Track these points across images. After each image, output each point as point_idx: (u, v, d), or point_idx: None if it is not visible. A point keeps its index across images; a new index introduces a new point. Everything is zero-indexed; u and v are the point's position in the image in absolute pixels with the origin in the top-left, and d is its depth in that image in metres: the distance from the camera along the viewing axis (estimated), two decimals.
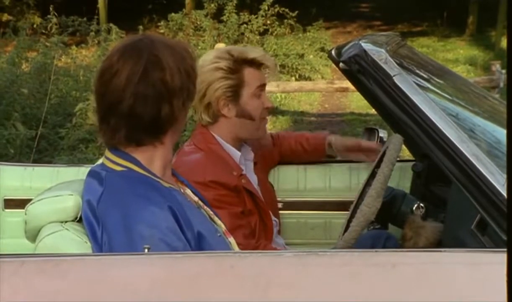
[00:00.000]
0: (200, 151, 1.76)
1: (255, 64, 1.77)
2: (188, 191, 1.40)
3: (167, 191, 1.26)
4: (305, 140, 2.04)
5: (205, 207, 1.41)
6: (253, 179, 1.87)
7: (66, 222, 1.33)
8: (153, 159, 1.27)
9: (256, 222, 1.79)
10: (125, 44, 1.27)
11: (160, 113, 1.23)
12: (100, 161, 1.35)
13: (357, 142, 2.01)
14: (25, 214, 1.38)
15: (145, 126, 1.23)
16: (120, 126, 1.24)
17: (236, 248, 1.40)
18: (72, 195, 1.33)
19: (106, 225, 1.21)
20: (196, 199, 1.40)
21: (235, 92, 1.75)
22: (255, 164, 1.91)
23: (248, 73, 1.76)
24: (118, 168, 1.26)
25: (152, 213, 1.19)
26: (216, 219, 1.42)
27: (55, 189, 1.41)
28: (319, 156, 2.06)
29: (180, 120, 1.28)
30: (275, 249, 1.81)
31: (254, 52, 1.78)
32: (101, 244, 1.22)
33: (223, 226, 1.42)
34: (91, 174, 1.30)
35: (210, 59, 1.76)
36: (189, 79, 1.27)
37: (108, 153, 1.29)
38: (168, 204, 1.21)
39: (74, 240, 1.28)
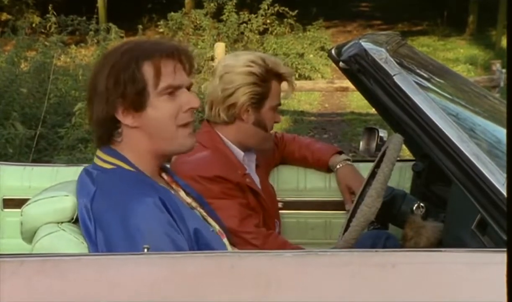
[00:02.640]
0: (206, 149, 1.77)
1: (281, 80, 1.80)
2: (182, 193, 1.40)
3: (160, 186, 1.28)
4: (309, 154, 2.02)
5: (199, 209, 1.41)
6: (256, 180, 1.87)
7: (62, 222, 1.33)
8: (139, 158, 1.29)
9: (259, 221, 1.79)
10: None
11: (96, 113, 1.27)
12: None
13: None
14: (21, 215, 1.38)
15: (96, 125, 1.29)
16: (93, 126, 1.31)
17: (230, 249, 1.40)
18: (68, 195, 1.33)
19: (102, 224, 1.21)
20: (189, 200, 1.40)
21: (259, 101, 1.76)
22: (257, 166, 1.91)
23: (275, 86, 1.78)
24: (108, 166, 1.27)
25: (148, 205, 1.20)
26: (209, 219, 1.42)
27: (51, 190, 1.41)
28: (319, 169, 2.05)
29: (138, 125, 1.26)
30: (286, 240, 1.81)
31: (284, 67, 1.82)
32: (96, 242, 1.22)
33: (217, 226, 1.42)
34: (84, 173, 1.31)
35: (244, 61, 1.75)
36: (128, 84, 1.24)
37: (98, 151, 1.31)
38: (160, 195, 1.22)
39: (71, 241, 1.27)
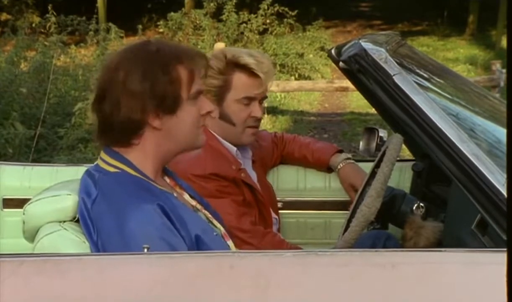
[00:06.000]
0: None
1: (248, 71, 1.72)
2: (186, 196, 1.40)
3: (161, 192, 1.27)
4: (310, 153, 2.01)
5: (204, 210, 1.41)
6: (253, 175, 1.87)
7: (64, 221, 1.33)
8: (143, 162, 1.28)
9: (255, 215, 1.79)
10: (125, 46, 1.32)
11: (119, 114, 1.23)
12: None
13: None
14: (23, 214, 1.38)
15: (110, 126, 1.24)
16: (98, 125, 1.27)
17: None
18: (70, 194, 1.33)
19: (100, 228, 1.22)
20: (194, 203, 1.40)
21: (219, 94, 1.73)
22: (253, 162, 1.91)
23: (238, 78, 1.72)
24: (111, 169, 1.27)
25: (146, 211, 1.20)
26: (215, 222, 1.42)
27: (53, 189, 1.41)
28: (319, 169, 2.04)
29: (159, 127, 1.25)
30: (283, 240, 1.81)
31: (249, 58, 1.71)
32: (97, 243, 1.22)
33: (222, 229, 1.42)
34: (87, 173, 1.31)
35: (210, 56, 1.75)
36: (166, 86, 1.23)
37: (102, 153, 1.30)
38: (159, 202, 1.22)
39: (73, 240, 1.28)
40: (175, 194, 1.34)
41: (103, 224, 1.21)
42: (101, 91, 1.25)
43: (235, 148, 1.80)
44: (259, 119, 1.79)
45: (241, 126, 1.76)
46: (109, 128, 1.25)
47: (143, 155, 1.27)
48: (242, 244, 1.62)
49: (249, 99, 1.75)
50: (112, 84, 1.23)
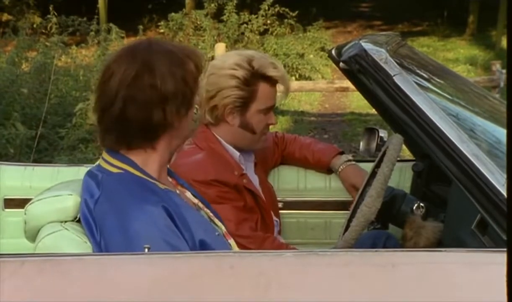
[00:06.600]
0: (201, 151, 1.76)
1: (271, 81, 1.75)
2: (188, 194, 1.40)
3: (163, 192, 1.27)
4: (310, 154, 2.01)
5: (205, 209, 1.41)
6: (254, 179, 1.87)
7: (65, 221, 1.33)
8: (148, 161, 1.27)
9: (257, 220, 1.79)
10: (126, 46, 1.30)
11: (151, 118, 1.22)
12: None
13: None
14: (25, 213, 1.39)
15: (136, 131, 1.23)
16: (111, 128, 1.25)
17: (237, 249, 1.41)
18: (71, 194, 1.34)
19: (103, 230, 1.22)
20: (196, 201, 1.40)
21: (244, 104, 1.73)
22: (255, 164, 1.91)
23: (263, 89, 1.74)
24: (114, 170, 1.26)
25: (149, 212, 1.20)
26: (216, 220, 1.42)
27: (54, 189, 1.41)
28: (320, 170, 2.05)
29: (176, 126, 1.26)
30: (283, 243, 1.81)
31: (274, 69, 1.73)
32: (100, 244, 1.22)
33: (223, 227, 1.42)
34: (89, 174, 1.30)
35: (229, 64, 1.72)
36: (186, 85, 1.25)
37: (104, 154, 1.30)
38: (163, 203, 1.22)
39: (74, 240, 1.28)
40: (177, 192, 1.34)
41: (106, 224, 1.21)
42: (112, 94, 1.22)
43: (238, 153, 1.80)
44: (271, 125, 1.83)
45: (260, 134, 1.79)
46: (127, 131, 1.24)
47: (148, 155, 1.27)
48: (242, 249, 1.62)
49: (269, 109, 1.78)
50: (128, 86, 1.22)
